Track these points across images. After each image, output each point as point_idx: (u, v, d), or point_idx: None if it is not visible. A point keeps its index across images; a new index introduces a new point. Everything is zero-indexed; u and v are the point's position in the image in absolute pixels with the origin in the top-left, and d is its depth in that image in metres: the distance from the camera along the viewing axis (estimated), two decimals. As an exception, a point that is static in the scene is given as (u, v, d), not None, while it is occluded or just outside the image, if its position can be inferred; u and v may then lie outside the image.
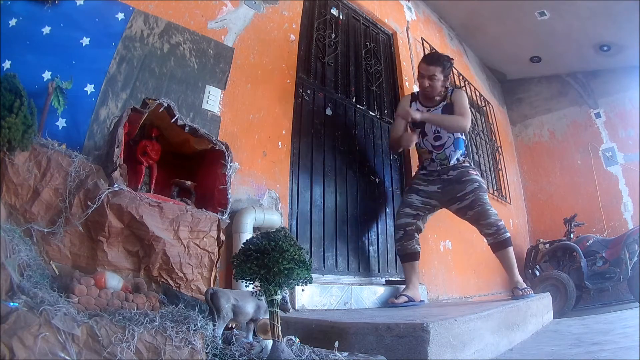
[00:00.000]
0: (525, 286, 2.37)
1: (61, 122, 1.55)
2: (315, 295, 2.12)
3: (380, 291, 2.54)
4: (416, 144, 2.58)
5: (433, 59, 2.55)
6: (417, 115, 2.45)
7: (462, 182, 2.46)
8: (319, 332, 1.45)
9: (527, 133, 5.73)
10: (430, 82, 2.48)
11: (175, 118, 1.53)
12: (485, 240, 2.46)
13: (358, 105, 3.01)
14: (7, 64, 1.49)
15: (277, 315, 1.06)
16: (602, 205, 4.83)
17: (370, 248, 2.74)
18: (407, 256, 2.48)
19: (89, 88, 1.66)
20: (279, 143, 2.31)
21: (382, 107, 3.24)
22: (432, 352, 1.20)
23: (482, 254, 3.91)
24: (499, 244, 2.40)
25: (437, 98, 2.56)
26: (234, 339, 1.18)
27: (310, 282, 1.11)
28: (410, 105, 2.59)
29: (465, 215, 2.47)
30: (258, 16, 2.41)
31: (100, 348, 0.83)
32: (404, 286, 2.55)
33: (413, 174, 2.81)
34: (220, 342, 1.11)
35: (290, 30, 2.61)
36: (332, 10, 3.08)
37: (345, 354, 1.13)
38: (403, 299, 2.34)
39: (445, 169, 2.51)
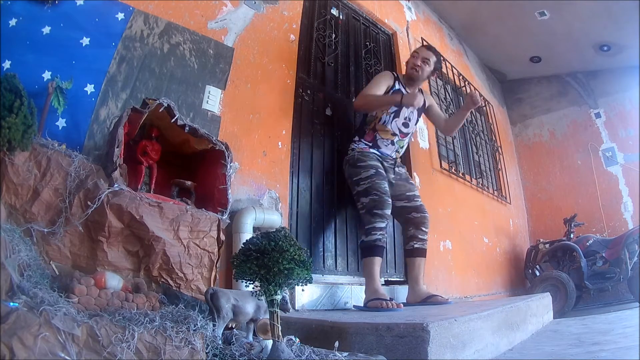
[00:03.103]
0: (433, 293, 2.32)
1: (61, 122, 1.55)
2: (315, 295, 2.13)
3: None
4: (379, 120, 2.45)
5: (431, 48, 2.68)
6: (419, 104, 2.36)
7: (409, 182, 2.54)
8: (319, 332, 1.45)
9: (527, 133, 5.73)
10: (421, 64, 2.54)
11: (175, 118, 1.53)
12: (412, 244, 2.40)
13: (358, 105, 3.00)
14: (7, 64, 1.49)
15: (277, 315, 1.06)
16: (602, 205, 4.82)
17: (370, 248, 2.74)
18: (382, 248, 2.23)
19: (89, 88, 1.66)
20: (279, 143, 2.31)
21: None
22: (432, 352, 1.20)
23: (482, 254, 3.92)
24: (424, 250, 2.42)
25: (417, 89, 2.62)
26: (234, 339, 1.19)
27: (310, 282, 1.11)
28: (394, 84, 2.54)
29: (407, 215, 2.42)
30: (258, 16, 2.41)
31: (100, 348, 0.83)
32: (402, 286, 2.55)
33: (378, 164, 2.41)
34: (220, 342, 1.11)
35: (290, 30, 2.61)
36: (332, 10, 3.08)
37: (345, 354, 1.13)
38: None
39: (397, 163, 2.52)
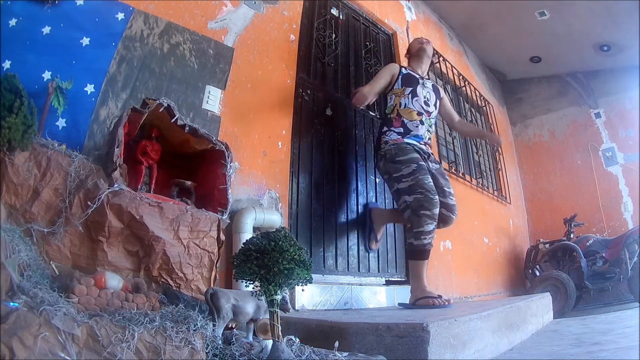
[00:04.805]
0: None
1: (61, 122, 1.55)
2: (315, 295, 2.13)
3: (381, 291, 2.54)
4: (399, 105, 2.46)
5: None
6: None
7: (445, 177, 2.52)
8: (319, 332, 1.45)
9: (527, 133, 5.73)
10: (425, 43, 2.69)
11: (175, 118, 1.53)
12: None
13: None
14: (7, 64, 1.49)
15: (277, 315, 1.06)
16: (602, 205, 4.83)
17: (370, 248, 2.74)
18: (429, 252, 2.24)
19: (89, 88, 1.66)
20: (279, 143, 2.31)
21: (382, 107, 3.23)
22: (432, 352, 1.20)
23: (482, 254, 3.92)
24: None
25: (425, 71, 2.71)
26: (234, 339, 1.18)
27: (310, 282, 1.11)
28: (400, 70, 2.57)
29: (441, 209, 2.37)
30: (258, 16, 2.41)
31: (100, 348, 0.83)
32: (403, 286, 2.55)
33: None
34: (220, 342, 1.11)
35: (290, 30, 2.61)
36: (332, 10, 3.08)
37: (345, 354, 1.13)
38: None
39: (432, 157, 2.49)
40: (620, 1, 3.93)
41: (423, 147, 2.44)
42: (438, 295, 2.10)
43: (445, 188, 2.42)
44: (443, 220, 2.38)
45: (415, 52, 2.69)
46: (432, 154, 2.55)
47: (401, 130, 2.41)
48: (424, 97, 2.53)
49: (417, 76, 2.59)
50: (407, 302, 2.24)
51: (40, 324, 0.78)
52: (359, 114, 2.99)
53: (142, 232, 1.31)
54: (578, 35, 4.54)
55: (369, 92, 2.40)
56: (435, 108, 2.62)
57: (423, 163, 2.32)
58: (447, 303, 2.04)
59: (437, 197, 2.20)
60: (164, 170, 1.67)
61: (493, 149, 4.82)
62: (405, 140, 2.38)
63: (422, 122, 2.46)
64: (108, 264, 1.27)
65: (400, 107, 2.46)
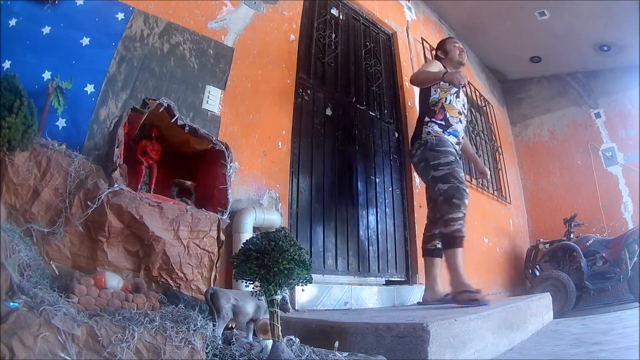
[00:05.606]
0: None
1: (61, 122, 1.55)
2: (315, 295, 2.13)
3: (381, 291, 2.54)
4: (445, 99, 2.51)
5: None
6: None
7: None
8: (319, 332, 1.45)
9: (527, 133, 5.73)
10: (463, 49, 2.75)
11: (175, 118, 1.53)
12: (435, 243, 2.44)
13: (358, 105, 3.01)
14: (7, 64, 1.49)
15: (277, 315, 1.06)
16: (602, 205, 4.82)
17: (370, 248, 2.74)
18: (462, 239, 2.21)
19: (89, 88, 1.66)
20: (279, 143, 2.31)
21: (382, 107, 3.24)
22: (432, 352, 1.20)
23: (482, 254, 3.92)
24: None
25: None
26: (234, 339, 1.19)
27: (310, 282, 1.11)
28: (447, 71, 2.56)
29: None
30: (258, 16, 2.41)
31: (100, 348, 0.83)
32: (403, 286, 2.55)
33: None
34: (220, 342, 1.11)
35: (290, 30, 2.61)
36: (332, 10, 3.08)
37: (345, 354, 1.13)
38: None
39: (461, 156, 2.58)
40: (620, 1, 3.93)
41: (457, 147, 2.51)
42: (477, 289, 2.05)
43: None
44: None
45: (458, 61, 2.70)
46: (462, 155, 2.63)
47: (442, 123, 2.47)
48: (463, 101, 2.61)
49: None
50: (425, 299, 2.35)
51: (40, 324, 0.78)
52: (359, 114, 2.99)
53: (142, 232, 1.31)
54: (578, 35, 4.54)
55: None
56: (468, 114, 2.70)
57: (459, 159, 2.41)
58: (484, 300, 1.98)
59: (467, 189, 2.27)
60: (164, 170, 1.67)
61: (492, 148, 4.83)
62: (445, 134, 2.45)
63: (460, 121, 2.55)
64: (108, 264, 1.27)
65: (445, 101, 2.52)
